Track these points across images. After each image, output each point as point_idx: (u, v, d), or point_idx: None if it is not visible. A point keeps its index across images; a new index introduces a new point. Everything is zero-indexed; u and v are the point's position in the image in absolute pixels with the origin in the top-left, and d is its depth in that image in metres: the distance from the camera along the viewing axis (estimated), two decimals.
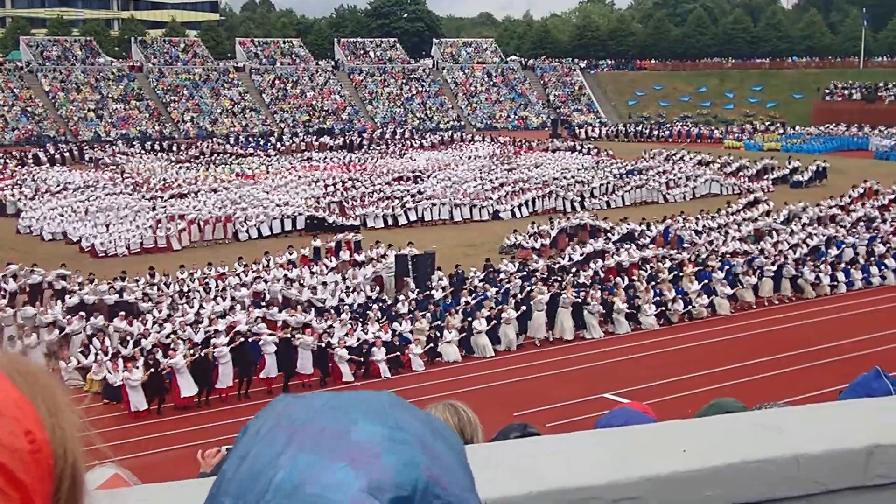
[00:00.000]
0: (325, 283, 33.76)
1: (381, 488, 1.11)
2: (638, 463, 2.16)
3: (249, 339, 26.69)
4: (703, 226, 42.43)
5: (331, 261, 37.35)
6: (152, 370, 24.59)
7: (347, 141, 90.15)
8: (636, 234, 41.46)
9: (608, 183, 57.25)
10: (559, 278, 32.92)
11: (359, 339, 27.44)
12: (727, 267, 33.69)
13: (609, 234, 41.32)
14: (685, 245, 39.37)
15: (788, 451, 2.24)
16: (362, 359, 27.08)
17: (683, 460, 2.18)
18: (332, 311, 30.46)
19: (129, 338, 28.10)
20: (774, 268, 33.82)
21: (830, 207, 46.05)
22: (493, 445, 2.48)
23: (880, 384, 3.24)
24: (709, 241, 39.79)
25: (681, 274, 33.38)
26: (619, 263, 35.74)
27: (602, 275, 34.18)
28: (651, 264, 35.53)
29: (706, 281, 32.54)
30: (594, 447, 2.30)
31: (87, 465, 1.31)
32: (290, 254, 37.26)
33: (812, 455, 2.25)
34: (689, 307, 31.62)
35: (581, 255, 37.48)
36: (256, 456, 1.16)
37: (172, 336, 27.14)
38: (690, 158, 68.63)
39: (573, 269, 35.30)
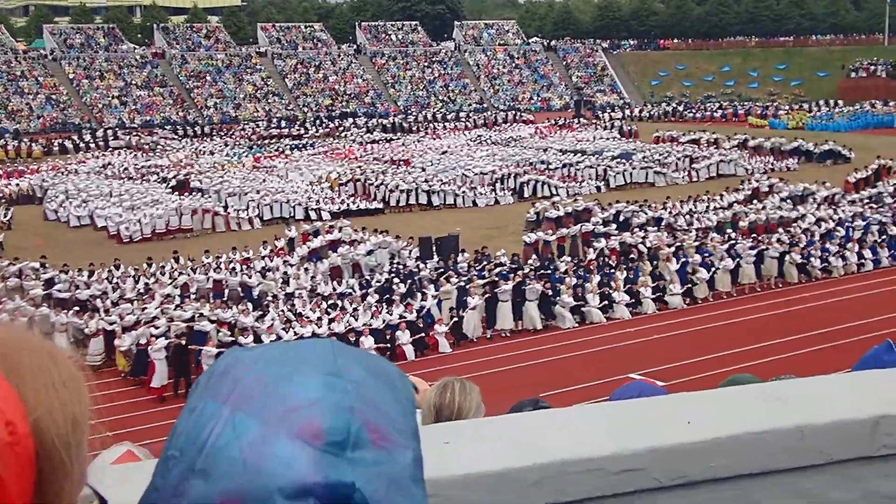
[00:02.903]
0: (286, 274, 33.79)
1: (315, 435, 1.15)
2: (642, 435, 2.18)
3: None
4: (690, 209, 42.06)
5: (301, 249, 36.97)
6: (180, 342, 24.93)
7: (371, 125, 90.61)
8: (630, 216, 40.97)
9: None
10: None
11: (384, 322, 27.52)
12: (705, 255, 33.49)
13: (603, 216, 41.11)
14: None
15: (793, 422, 2.25)
16: (388, 345, 27.18)
17: (688, 432, 2.20)
18: (356, 295, 30.50)
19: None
20: (754, 253, 33.36)
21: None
22: (497, 419, 2.51)
23: (891, 357, 3.24)
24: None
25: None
26: (622, 243, 35.83)
27: (606, 257, 34.31)
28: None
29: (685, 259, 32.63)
30: (598, 420, 2.32)
31: (93, 452, 1.26)
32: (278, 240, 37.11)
33: (817, 426, 2.26)
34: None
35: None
36: (201, 410, 1.19)
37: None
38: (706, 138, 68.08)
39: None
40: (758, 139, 65.98)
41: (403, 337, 27.07)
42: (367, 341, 26.55)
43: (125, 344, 26.12)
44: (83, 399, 1.24)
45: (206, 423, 1.18)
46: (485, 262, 32.86)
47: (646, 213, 40.12)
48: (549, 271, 31.93)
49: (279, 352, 1.26)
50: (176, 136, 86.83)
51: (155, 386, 24.54)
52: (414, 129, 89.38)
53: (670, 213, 40.42)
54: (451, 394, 3.73)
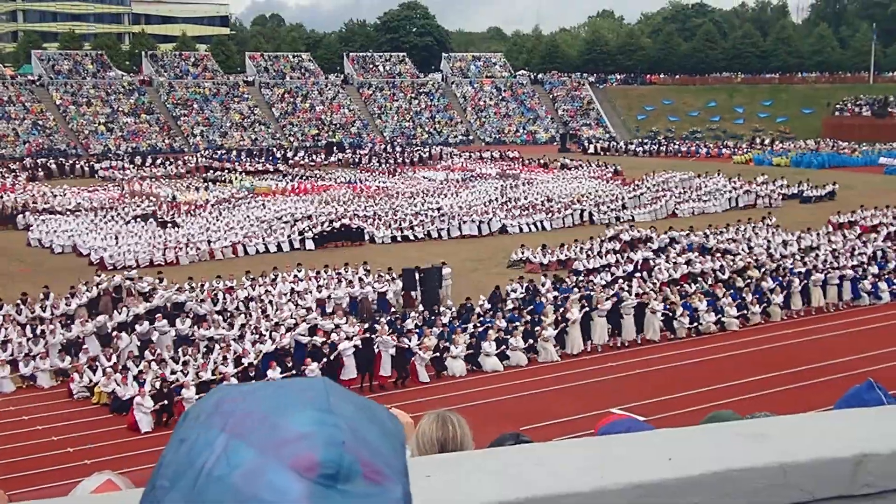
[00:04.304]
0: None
1: (309, 467, 1.17)
2: (625, 470, 2.18)
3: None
4: (746, 236, 43.36)
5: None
6: (164, 402, 24.53)
7: (356, 158, 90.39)
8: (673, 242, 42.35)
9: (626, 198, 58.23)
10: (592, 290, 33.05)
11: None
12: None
13: (650, 244, 42.45)
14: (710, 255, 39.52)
15: (775, 460, 2.25)
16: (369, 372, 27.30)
17: (670, 468, 2.20)
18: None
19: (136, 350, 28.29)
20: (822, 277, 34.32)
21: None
22: (480, 452, 2.50)
23: (872, 396, 3.25)
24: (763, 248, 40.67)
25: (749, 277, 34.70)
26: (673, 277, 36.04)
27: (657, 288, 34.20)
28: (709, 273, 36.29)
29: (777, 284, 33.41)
30: (580, 454, 2.31)
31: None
32: (299, 271, 36.89)
33: (798, 463, 2.26)
34: (696, 323, 31.56)
35: (633, 263, 38.37)
36: (195, 440, 1.21)
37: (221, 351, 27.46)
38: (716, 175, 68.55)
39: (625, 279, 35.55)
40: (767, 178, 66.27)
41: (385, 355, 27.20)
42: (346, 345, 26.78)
43: (107, 389, 25.86)
44: None
45: (199, 452, 1.20)
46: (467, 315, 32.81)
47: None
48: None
49: (272, 389, 1.28)
50: (130, 166, 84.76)
51: (142, 430, 24.19)
52: (399, 161, 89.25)
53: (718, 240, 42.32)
54: (453, 427, 3.74)
